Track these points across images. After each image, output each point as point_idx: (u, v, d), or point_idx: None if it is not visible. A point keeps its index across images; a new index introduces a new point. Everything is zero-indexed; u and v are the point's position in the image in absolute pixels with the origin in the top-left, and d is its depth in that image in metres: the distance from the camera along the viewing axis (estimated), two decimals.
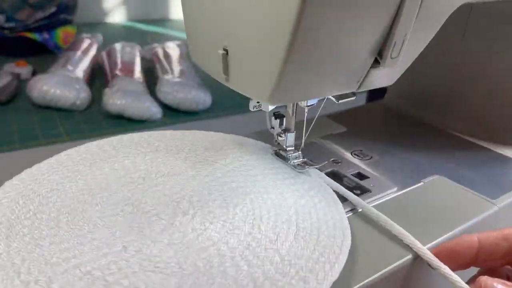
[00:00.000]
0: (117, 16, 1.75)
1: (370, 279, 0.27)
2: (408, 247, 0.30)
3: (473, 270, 0.30)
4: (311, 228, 0.29)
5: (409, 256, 0.29)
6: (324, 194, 0.33)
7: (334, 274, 0.25)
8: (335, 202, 0.33)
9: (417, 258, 0.29)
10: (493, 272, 0.29)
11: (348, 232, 0.29)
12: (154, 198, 0.31)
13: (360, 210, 0.33)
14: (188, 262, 0.25)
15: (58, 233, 0.27)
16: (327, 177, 0.36)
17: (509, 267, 0.29)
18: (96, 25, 1.60)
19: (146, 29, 1.66)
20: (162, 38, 1.40)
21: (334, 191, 0.34)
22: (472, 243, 0.28)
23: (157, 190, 0.32)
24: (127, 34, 1.54)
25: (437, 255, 0.28)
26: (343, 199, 0.34)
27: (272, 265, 0.26)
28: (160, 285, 0.24)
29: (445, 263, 0.27)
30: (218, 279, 0.24)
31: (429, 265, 0.28)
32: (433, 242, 0.31)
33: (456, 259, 0.28)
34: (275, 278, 0.25)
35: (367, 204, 0.33)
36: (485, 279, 0.25)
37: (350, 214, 0.33)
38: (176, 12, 1.86)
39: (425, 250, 0.28)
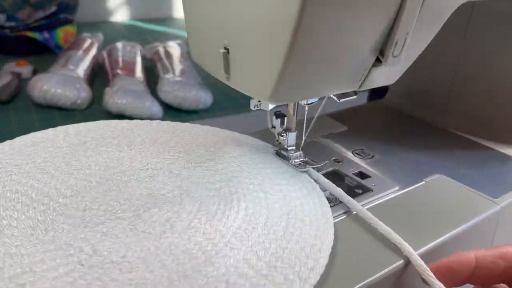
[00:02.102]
0: (118, 15, 1.75)
1: (363, 283, 0.27)
2: (400, 251, 0.29)
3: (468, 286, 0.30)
4: (298, 231, 0.29)
5: (401, 262, 0.28)
6: (315, 195, 0.33)
7: (315, 277, 0.25)
8: (323, 204, 0.32)
9: (409, 264, 0.29)
10: None
11: (331, 235, 0.29)
12: (141, 194, 0.31)
13: (354, 212, 0.33)
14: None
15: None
16: (323, 177, 0.36)
17: (504, 285, 0.28)
18: (96, 24, 1.60)
19: (147, 28, 1.66)
20: (163, 37, 1.40)
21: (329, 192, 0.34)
22: (469, 261, 0.27)
23: (145, 187, 0.32)
24: (128, 33, 1.54)
25: (434, 271, 0.27)
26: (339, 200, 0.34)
27: (252, 267, 0.25)
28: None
29: (440, 280, 0.27)
30: (200, 275, 0.24)
31: (423, 280, 0.27)
32: (435, 242, 0.31)
33: (452, 276, 0.27)
34: (254, 280, 0.25)
35: (362, 207, 0.32)
36: None
37: (344, 216, 0.33)
38: (177, 11, 1.86)
39: (420, 261, 0.28)
